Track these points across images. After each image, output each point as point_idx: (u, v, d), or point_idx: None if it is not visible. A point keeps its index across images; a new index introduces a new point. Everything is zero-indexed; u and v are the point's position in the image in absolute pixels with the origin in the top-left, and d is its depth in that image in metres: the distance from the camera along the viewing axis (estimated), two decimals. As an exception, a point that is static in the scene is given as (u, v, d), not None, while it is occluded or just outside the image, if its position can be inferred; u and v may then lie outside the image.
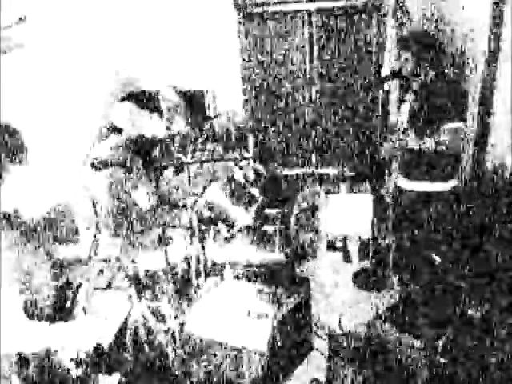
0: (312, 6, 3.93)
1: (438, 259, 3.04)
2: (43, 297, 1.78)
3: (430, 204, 2.99)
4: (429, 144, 2.82)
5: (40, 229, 1.84)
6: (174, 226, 3.07)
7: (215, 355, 2.42)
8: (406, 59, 2.86)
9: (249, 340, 2.35)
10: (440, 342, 2.22)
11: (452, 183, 2.98)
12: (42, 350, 1.76)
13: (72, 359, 1.83)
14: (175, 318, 2.51)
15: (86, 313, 2.05)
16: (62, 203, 2.65)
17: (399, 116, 3.11)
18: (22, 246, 1.67)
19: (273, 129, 4.38)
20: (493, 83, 3.30)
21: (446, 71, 3.07)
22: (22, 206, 1.75)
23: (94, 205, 2.29)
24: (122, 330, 2.47)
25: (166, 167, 3.32)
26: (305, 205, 3.82)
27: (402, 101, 3.13)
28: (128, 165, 2.82)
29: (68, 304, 1.99)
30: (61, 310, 1.94)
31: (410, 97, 3.02)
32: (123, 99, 3.35)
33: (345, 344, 2.63)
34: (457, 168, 3.04)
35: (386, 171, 3.81)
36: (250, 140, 4.11)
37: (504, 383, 2.14)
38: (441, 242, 3.06)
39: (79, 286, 2.10)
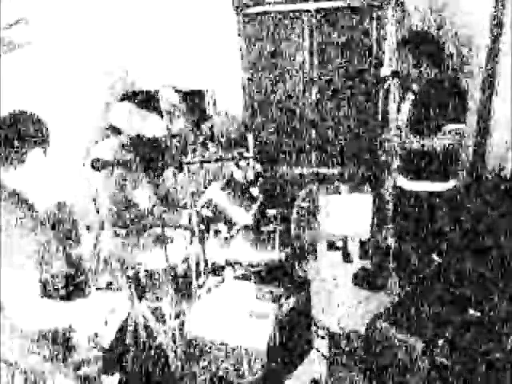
0: (312, 6, 3.93)
1: (438, 259, 3.04)
2: (56, 275, 1.81)
3: (430, 204, 2.98)
4: (429, 144, 2.82)
5: (49, 219, 1.87)
6: (174, 226, 3.07)
7: (215, 355, 2.42)
8: (406, 59, 2.86)
9: (249, 340, 2.35)
10: (440, 342, 2.22)
11: (452, 183, 2.98)
12: (60, 326, 1.81)
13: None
14: (175, 318, 2.51)
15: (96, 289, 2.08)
16: (63, 202, 2.65)
17: (399, 116, 3.11)
18: (35, 228, 1.69)
19: (273, 129, 4.38)
20: (493, 83, 3.31)
21: (447, 71, 3.07)
22: (32, 194, 1.77)
23: (95, 204, 2.30)
24: (122, 330, 2.47)
25: (166, 167, 3.32)
26: (305, 205, 3.82)
27: (401, 100, 3.13)
28: (128, 165, 2.82)
29: (79, 281, 2.02)
30: (73, 288, 1.98)
31: (409, 97, 3.02)
32: (123, 99, 3.35)
33: (345, 344, 2.63)
34: (457, 168, 3.04)
35: (386, 171, 3.81)
36: (250, 140, 4.10)
37: (504, 383, 2.15)
38: (441, 241, 3.06)
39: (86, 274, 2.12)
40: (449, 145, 2.79)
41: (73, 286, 2.03)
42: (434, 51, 2.85)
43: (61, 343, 1.83)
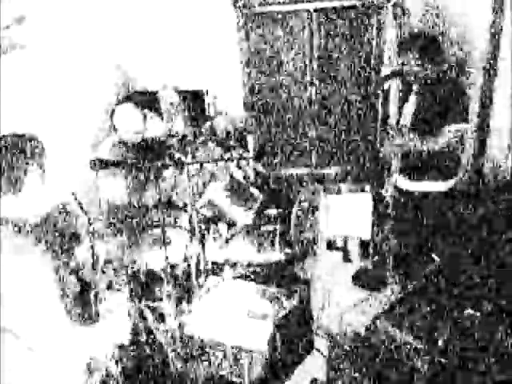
0: (312, 6, 3.93)
1: (437, 259, 3.04)
2: (70, 302, 1.81)
3: (430, 203, 2.98)
4: (431, 144, 2.81)
5: (49, 231, 1.86)
6: (174, 226, 3.07)
7: (215, 355, 2.42)
8: (408, 60, 2.85)
9: (249, 340, 2.36)
10: (440, 342, 2.22)
11: (452, 182, 2.98)
12: (87, 352, 1.83)
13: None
14: (175, 318, 2.51)
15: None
16: (63, 203, 2.65)
17: (401, 117, 3.10)
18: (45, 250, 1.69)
19: (273, 129, 4.38)
20: (492, 84, 3.31)
21: (448, 71, 3.05)
22: (26, 207, 1.75)
23: (81, 207, 2.26)
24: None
25: (166, 167, 3.32)
26: (305, 205, 3.82)
27: (404, 101, 3.11)
28: (128, 165, 2.82)
29: (92, 306, 2.02)
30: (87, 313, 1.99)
31: (412, 98, 3.01)
32: (123, 99, 3.35)
33: (345, 344, 2.63)
34: (457, 167, 3.03)
35: (386, 171, 3.79)
36: (250, 140, 4.11)
37: (504, 383, 2.15)
38: (441, 241, 3.06)
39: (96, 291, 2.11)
40: (450, 144, 2.79)
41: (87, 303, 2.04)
42: (435, 51, 2.84)
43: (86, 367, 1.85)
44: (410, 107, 3.01)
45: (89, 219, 2.08)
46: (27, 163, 1.70)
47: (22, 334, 1.62)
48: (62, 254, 1.85)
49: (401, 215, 3.25)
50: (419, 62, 2.83)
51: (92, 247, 2.22)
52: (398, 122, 3.14)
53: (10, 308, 1.58)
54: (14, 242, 1.64)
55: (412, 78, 2.92)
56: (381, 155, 3.21)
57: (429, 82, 2.87)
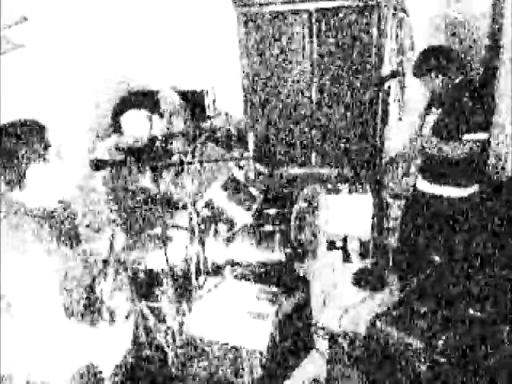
0: (312, 6, 3.93)
1: (437, 259, 3.04)
2: (75, 299, 1.74)
3: (446, 207, 2.97)
4: (451, 149, 2.80)
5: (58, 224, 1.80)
6: (174, 226, 3.07)
7: (215, 355, 2.42)
8: (428, 74, 2.82)
9: (249, 340, 2.36)
10: (440, 342, 2.22)
11: (471, 190, 2.96)
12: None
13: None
14: (175, 318, 2.51)
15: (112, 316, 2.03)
16: (65, 201, 2.66)
17: (423, 127, 3.05)
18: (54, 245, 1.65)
19: (273, 129, 4.38)
20: (493, 83, 3.31)
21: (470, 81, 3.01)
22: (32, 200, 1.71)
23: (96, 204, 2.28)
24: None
25: (165, 167, 3.32)
26: (305, 205, 3.82)
27: (426, 113, 3.08)
28: (127, 165, 2.82)
29: (95, 305, 1.97)
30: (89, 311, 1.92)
31: (435, 111, 2.98)
32: (123, 99, 3.35)
33: (345, 344, 2.63)
34: (478, 177, 3.00)
35: (402, 173, 3.75)
36: (250, 140, 4.10)
37: (504, 383, 2.15)
38: (447, 242, 3.05)
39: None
40: (469, 153, 2.77)
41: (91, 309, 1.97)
42: (452, 62, 2.82)
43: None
44: (432, 120, 2.97)
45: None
46: (30, 154, 1.62)
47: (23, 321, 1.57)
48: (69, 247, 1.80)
49: (412, 214, 3.23)
50: (439, 75, 2.81)
51: (111, 244, 2.19)
52: (420, 129, 3.10)
53: (16, 303, 1.56)
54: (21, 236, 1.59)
55: (436, 92, 2.89)
56: (384, 156, 3.19)
57: (452, 92, 2.85)
